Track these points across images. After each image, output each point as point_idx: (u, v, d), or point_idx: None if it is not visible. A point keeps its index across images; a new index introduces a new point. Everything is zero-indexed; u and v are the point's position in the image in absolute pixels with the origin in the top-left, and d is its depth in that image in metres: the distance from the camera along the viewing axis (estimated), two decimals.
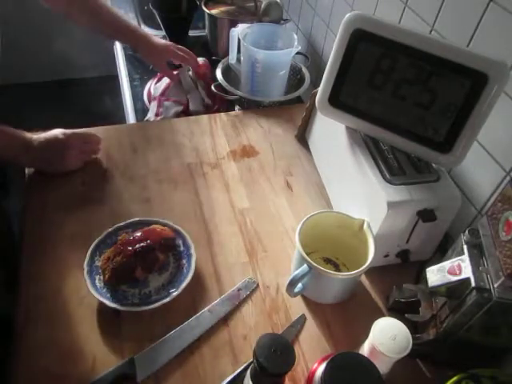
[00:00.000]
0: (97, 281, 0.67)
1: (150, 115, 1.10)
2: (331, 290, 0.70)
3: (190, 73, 1.12)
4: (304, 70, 1.18)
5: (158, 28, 1.41)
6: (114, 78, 1.36)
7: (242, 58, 1.11)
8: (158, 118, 1.08)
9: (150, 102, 1.14)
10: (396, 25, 0.67)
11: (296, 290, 0.67)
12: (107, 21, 1.01)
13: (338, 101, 0.73)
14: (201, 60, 1.15)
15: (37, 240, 0.75)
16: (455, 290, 0.58)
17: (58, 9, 0.98)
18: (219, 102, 1.15)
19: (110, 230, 0.74)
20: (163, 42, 1.08)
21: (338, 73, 0.71)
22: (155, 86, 1.14)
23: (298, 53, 1.08)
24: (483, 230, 0.58)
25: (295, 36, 1.08)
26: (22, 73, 1.98)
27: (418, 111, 0.67)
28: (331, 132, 0.82)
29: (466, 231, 0.59)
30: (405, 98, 0.68)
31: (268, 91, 1.12)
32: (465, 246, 0.58)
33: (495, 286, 0.53)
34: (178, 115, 1.09)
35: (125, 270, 0.66)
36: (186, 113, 1.10)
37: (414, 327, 0.64)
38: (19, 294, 0.68)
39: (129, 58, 1.33)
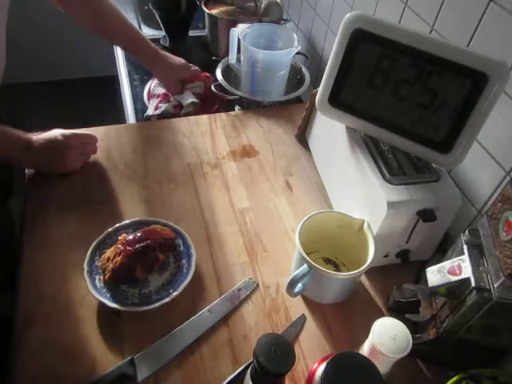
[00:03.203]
0: (97, 281, 0.67)
1: (150, 111, 1.10)
2: (331, 290, 0.70)
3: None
4: (304, 70, 1.18)
5: (158, 28, 1.42)
6: (114, 78, 1.36)
7: (241, 58, 1.11)
8: (157, 112, 1.08)
9: (149, 100, 1.14)
10: (396, 25, 0.67)
11: (296, 289, 0.67)
12: (126, 37, 1.01)
13: (338, 101, 0.73)
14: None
15: (37, 240, 0.75)
16: (455, 290, 0.58)
17: (82, 22, 0.98)
18: (219, 101, 1.15)
19: (109, 229, 0.74)
20: (177, 61, 1.08)
21: (338, 73, 0.71)
22: (154, 87, 1.14)
23: (298, 53, 1.08)
24: (483, 230, 0.58)
25: (295, 36, 1.08)
26: (21, 73, 1.98)
27: (418, 111, 0.67)
28: (331, 132, 0.82)
29: (466, 231, 0.59)
30: (405, 98, 0.68)
31: (268, 91, 1.12)
32: (465, 246, 0.58)
33: (495, 286, 0.53)
34: (174, 107, 1.08)
35: (125, 270, 0.66)
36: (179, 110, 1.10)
37: (413, 327, 0.64)
38: (19, 294, 0.68)
39: (129, 58, 1.33)
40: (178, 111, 1.08)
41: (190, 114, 1.07)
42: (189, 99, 1.08)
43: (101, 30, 1.00)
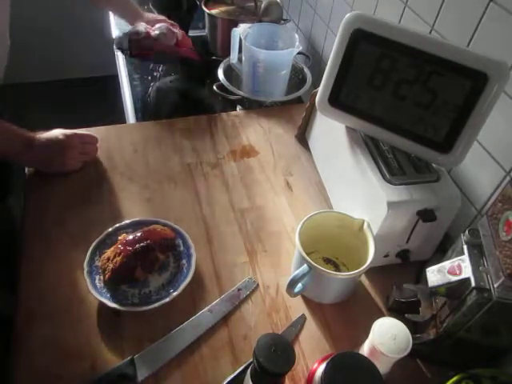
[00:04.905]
0: (97, 281, 0.67)
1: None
2: (331, 290, 0.70)
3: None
4: (306, 70, 1.18)
5: None
6: (114, 78, 1.36)
7: (243, 58, 1.11)
8: (128, 30, 1.11)
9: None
10: (396, 25, 0.67)
11: (296, 289, 0.67)
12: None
13: (338, 101, 0.73)
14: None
15: (37, 240, 0.75)
16: (455, 290, 0.58)
17: None
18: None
19: (109, 230, 0.74)
20: (156, 17, 1.19)
21: (338, 73, 0.71)
22: None
23: (299, 53, 1.08)
24: (483, 230, 0.58)
25: (296, 36, 1.08)
26: (22, 73, 1.98)
27: (418, 111, 0.67)
28: (331, 132, 0.82)
29: (466, 231, 0.59)
30: (405, 97, 0.68)
31: (269, 91, 1.12)
32: (465, 246, 0.58)
33: (495, 286, 0.53)
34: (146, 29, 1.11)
35: (125, 270, 0.66)
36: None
37: (413, 327, 0.64)
38: (19, 294, 0.68)
39: (129, 59, 1.33)
40: (148, 35, 1.10)
41: (160, 45, 1.10)
42: (162, 26, 1.12)
43: None
